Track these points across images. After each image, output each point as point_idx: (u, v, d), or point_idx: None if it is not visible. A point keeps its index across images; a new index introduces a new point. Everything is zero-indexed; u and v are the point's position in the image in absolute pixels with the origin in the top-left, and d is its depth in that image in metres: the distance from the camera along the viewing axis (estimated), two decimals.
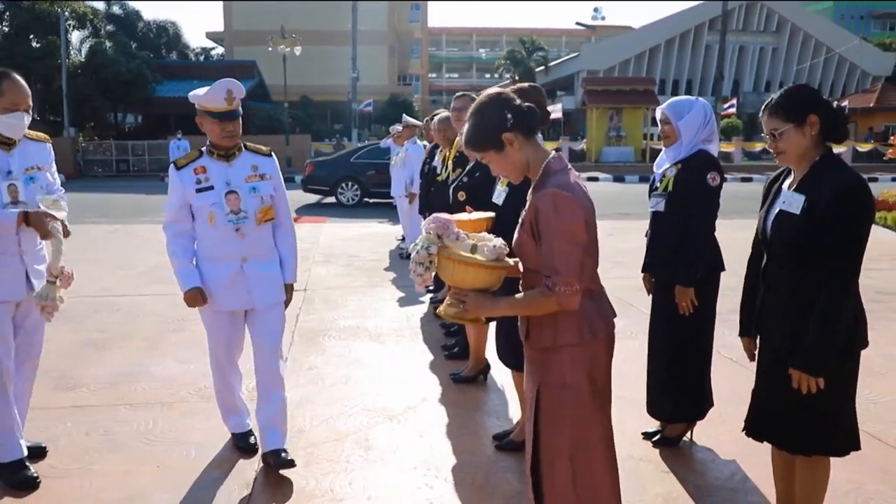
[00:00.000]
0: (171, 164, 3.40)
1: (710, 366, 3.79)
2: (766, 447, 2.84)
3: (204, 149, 3.41)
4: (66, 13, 32.09)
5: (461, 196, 4.55)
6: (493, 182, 4.15)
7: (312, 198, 17.82)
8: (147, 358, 5.30)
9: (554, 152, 2.28)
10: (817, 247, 2.42)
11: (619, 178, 27.34)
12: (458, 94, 5.25)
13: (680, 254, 3.52)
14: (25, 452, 3.39)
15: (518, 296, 2.23)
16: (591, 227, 2.19)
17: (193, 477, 3.46)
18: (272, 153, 3.58)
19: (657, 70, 49.71)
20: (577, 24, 74.77)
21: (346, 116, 38.89)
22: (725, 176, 3.61)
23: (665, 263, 3.64)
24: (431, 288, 6.94)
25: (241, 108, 3.36)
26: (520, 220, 2.28)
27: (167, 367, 5.07)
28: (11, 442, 3.35)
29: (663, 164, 3.70)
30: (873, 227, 2.51)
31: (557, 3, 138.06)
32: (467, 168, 4.77)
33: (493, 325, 4.60)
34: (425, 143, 8.84)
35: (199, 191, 3.32)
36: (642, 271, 3.89)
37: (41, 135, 3.52)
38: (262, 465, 3.55)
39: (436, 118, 6.54)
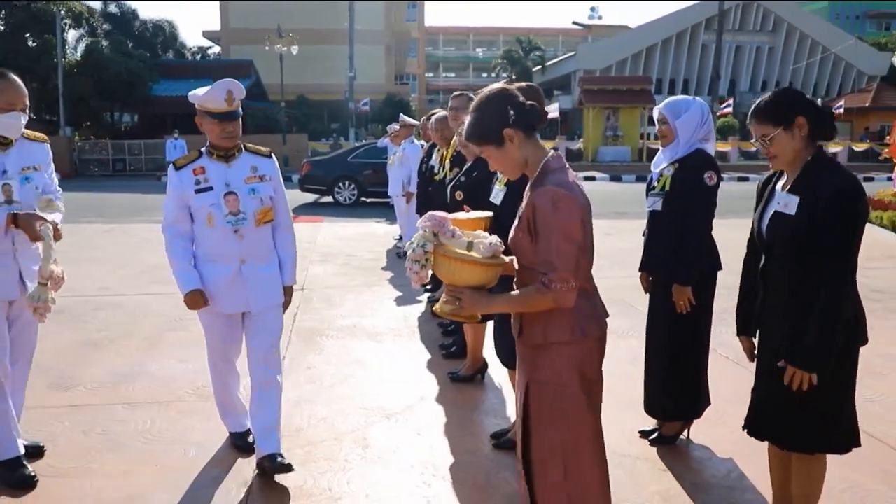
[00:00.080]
0: (171, 165, 3.38)
1: (707, 364, 3.81)
2: (762, 445, 2.86)
3: (203, 149, 3.39)
4: (63, 12, 32.00)
5: (459, 195, 4.56)
6: (490, 181, 4.15)
7: (309, 197, 17.81)
8: (145, 357, 5.30)
9: (553, 151, 2.30)
10: (816, 247, 2.44)
11: (615, 178, 27.36)
12: (455, 93, 5.26)
13: (680, 253, 3.53)
14: (22, 450, 3.39)
15: (514, 293, 2.25)
16: (587, 225, 2.21)
17: (192, 476, 3.46)
18: (272, 154, 3.55)
19: (654, 69, 49.74)
20: (574, 23, 74.80)
21: (342, 116, 38.86)
22: (722, 175, 3.63)
23: (664, 262, 3.65)
24: (429, 287, 6.95)
25: (241, 109, 3.34)
26: (517, 217, 2.29)
27: (165, 367, 5.07)
28: (8, 440, 3.34)
29: (661, 164, 3.72)
30: (869, 226, 2.53)
31: (554, 3, 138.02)
32: (465, 167, 4.78)
33: (490, 324, 4.62)
34: (423, 142, 8.85)
35: (197, 191, 3.29)
36: (640, 270, 3.91)
37: (39, 135, 3.51)
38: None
39: (433, 118, 6.55)
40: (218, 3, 47.12)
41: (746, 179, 25.75)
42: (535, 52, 54.51)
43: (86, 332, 5.90)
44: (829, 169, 2.52)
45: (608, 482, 2.37)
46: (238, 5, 45.06)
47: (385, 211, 14.23)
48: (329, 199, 17.13)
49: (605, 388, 2.43)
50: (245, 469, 3.53)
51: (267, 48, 32.31)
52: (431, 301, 6.77)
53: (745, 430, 2.79)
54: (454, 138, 5.27)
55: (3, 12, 32.30)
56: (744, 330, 2.87)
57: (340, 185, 16.87)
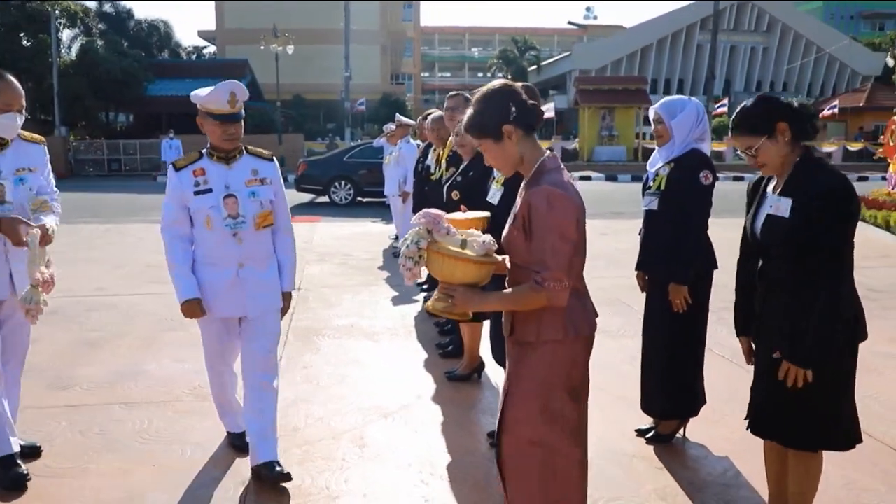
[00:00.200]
0: (171, 165, 3.34)
1: (703, 363, 3.82)
2: (758, 444, 2.87)
3: (204, 150, 3.34)
4: (57, 12, 31.90)
5: (455, 195, 4.57)
6: (486, 181, 4.17)
7: (305, 197, 17.80)
8: (142, 357, 5.29)
9: (549, 151, 2.31)
10: (812, 247, 2.46)
11: (611, 177, 27.41)
12: (451, 93, 5.26)
13: (676, 253, 3.54)
14: (16, 449, 3.37)
15: (506, 291, 2.27)
16: (581, 226, 2.23)
17: (190, 476, 3.46)
18: (274, 157, 3.49)
19: (649, 69, 49.87)
20: (570, 23, 75.01)
21: (338, 115, 38.82)
22: (717, 175, 3.65)
23: (660, 261, 3.66)
24: (426, 287, 6.96)
25: (243, 111, 3.30)
26: (511, 216, 2.31)
27: (163, 367, 5.07)
28: (2, 439, 3.32)
29: (656, 163, 3.74)
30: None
31: (549, 3, 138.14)
32: (461, 167, 4.79)
33: (486, 323, 4.63)
34: (419, 142, 8.85)
35: (196, 193, 3.24)
36: (636, 269, 3.93)
37: (36, 136, 3.50)
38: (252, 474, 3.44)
39: (429, 117, 6.55)
40: (213, 2, 47.06)
41: (742, 179, 25.80)
42: (530, 52, 54.62)
43: (82, 333, 5.89)
44: (818, 169, 2.54)
45: (586, 482, 2.39)
46: (233, 5, 44.99)
47: (381, 211, 14.24)
48: (325, 198, 17.12)
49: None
50: (243, 468, 3.52)
51: (262, 48, 32.27)
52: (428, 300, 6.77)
53: (749, 430, 2.80)
54: (450, 138, 5.28)
55: None
56: (743, 331, 2.89)
57: (336, 184, 16.86)
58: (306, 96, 42.67)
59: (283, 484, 3.34)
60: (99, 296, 7.22)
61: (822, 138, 38.82)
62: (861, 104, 41.10)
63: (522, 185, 2.31)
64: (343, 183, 16.83)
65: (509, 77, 45.62)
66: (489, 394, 4.65)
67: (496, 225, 2.67)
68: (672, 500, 3.27)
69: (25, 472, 3.34)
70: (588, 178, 26.36)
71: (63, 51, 33.70)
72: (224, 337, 3.52)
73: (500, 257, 2.36)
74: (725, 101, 36.79)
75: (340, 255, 9.85)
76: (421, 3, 63.29)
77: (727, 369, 4.85)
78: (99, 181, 25.71)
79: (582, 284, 2.33)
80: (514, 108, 2.23)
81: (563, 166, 2.29)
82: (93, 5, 39.29)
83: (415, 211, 7.50)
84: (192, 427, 4.03)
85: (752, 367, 2.86)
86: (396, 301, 7.21)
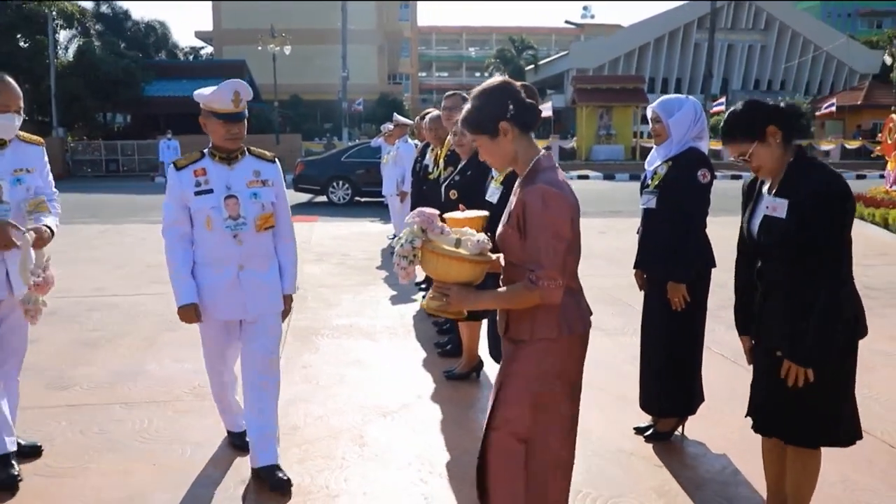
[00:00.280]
0: (171, 165, 3.31)
1: (702, 361, 3.83)
2: (757, 441, 2.89)
3: (206, 150, 3.31)
4: (54, 13, 31.85)
5: (453, 194, 4.58)
6: (484, 180, 4.18)
7: (303, 197, 17.79)
8: (142, 357, 5.30)
9: (544, 151, 2.32)
10: (810, 247, 2.47)
11: (609, 176, 27.42)
12: (448, 92, 5.27)
13: (677, 252, 3.55)
14: (12, 448, 3.36)
15: (501, 289, 2.28)
16: (575, 225, 2.25)
17: (190, 475, 3.47)
18: (276, 159, 3.46)
19: (646, 68, 49.86)
20: (567, 22, 75.00)
21: (336, 115, 38.81)
22: (715, 173, 3.67)
23: (659, 260, 3.67)
24: (424, 286, 6.97)
25: (247, 111, 3.27)
26: (506, 214, 2.32)
27: (163, 366, 5.08)
28: None
29: (654, 162, 3.75)
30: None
31: (547, 2, 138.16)
32: (459, 166, 4.80)
33: (485, 322, 4.65)
34: (416, 141, 8.86)
35: (197, 193, 3.21)
36: (635, 268, 3.93)
37: (35, 137, 3.51)
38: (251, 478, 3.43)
39: (427, 117, 6.56)
40: (210, 3, 46.99)
41: (739, 177, 25.76)
42: (527, 52, 54.58)
43: (82, 333, 5.90)
44: (811, 168, 2.56)
45: (569, 484, 2.41)
46: (230, 6, 44.92)
47: (379, 210, 14.23)
48: (323, 198, 17.13)
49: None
50: (243, 468, 3.53)
51: (260, 48, 32.24)
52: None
53: (753, 429, 2.80)
54: (448, 137, 5.29)
55: None
56: (744, 330, 2.90)
57: (334, 184, 16.87)
58: (304, 96, 42.62)
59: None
60: (99, 296, 7.22)
61: (820, 136, 38.90)
62: (859, 102, 41.14)
63: (517, 183, 2.32)
64: (341, 183, 16.84)
65: (508, 76, 45.65)
66: (488, 393, 4.62)
67: (495, 224, 2.68)
68: (671, 497, 3.29)
69: (17, 473, 3.31)
70: (586, 177, 26.37)
71: (60, 52, 33.67)
72: (224, 338, 3.51)
73: (494, 256, 2.37)
74: (723, 99, 36.84)
75: (339, 255, 9.86)
76: (418, 2, 63.19)
77: (726, 367, 4.86)
78: (96, 182, 25.68)
79: (576, 283, 2.34)
80: (511, 106, 2.24)
81: (557, 165, 2.30)
82: (90, 6, 39.26)
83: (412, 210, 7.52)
84: (192, 427, 4.04)
85: (750, 366, 2.88)
86: (395, 300, 7.22)
